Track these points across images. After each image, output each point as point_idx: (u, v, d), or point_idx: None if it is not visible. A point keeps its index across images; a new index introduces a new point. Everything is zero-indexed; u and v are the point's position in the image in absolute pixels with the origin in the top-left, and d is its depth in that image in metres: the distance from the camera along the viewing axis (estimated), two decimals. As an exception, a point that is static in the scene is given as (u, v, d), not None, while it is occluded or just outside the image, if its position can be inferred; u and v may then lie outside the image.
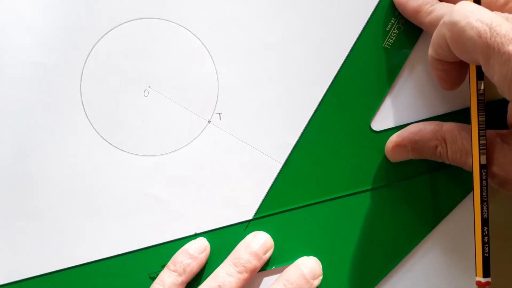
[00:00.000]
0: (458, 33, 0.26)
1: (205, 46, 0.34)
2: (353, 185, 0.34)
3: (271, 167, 0.34)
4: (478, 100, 0.28)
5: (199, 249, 0.32)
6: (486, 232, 0.29)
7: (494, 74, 0.25)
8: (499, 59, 0.24)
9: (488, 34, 0.25)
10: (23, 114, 0.33)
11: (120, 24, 0.33)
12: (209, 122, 0.34)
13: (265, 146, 0.34)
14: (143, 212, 0.33)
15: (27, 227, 0.33)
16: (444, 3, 0.31)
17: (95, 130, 0.33)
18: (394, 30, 0.33)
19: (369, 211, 0.34)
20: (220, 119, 0.34)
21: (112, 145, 0.33)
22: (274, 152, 0.34)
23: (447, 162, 0.31)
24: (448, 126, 0.31)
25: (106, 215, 0.33)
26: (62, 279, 0.33)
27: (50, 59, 0.33)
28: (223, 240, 0.33)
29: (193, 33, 0.33)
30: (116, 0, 0.33)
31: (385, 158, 0.33)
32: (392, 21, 0.33)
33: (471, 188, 0.29)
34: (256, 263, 0.32)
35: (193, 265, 0.32)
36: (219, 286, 0.30)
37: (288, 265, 0.33)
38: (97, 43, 0.33)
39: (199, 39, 0.33)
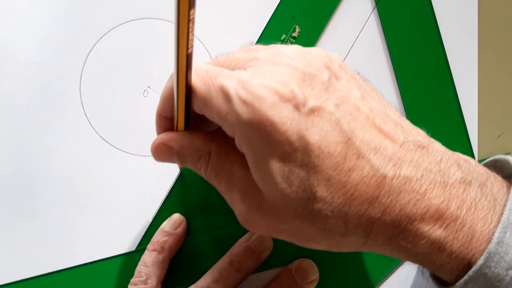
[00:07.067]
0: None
1: (205, 46, 0.34)
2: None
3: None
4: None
5: (174, 225, 0.32)
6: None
7: None
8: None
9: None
10: (23, 114, 0.33)
11: (120, 24, 0.33)
12: (209, 122, 0.34)
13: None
14: (143, 212, 0.33)
15: (27, 227, 0.33)
16: None
17: (95, 130, 0.33)
18: None
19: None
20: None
21: (112, 145, 0.33)
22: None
23: None
24: None
25: (106, 215, 0.33)
26: (62, 279, 0.33)
27: (50, 59, 0.33)
28: (222, 240, 0.33)
29: (193, 33, 0.33)
30: (116, 0, 0.33)
31: None
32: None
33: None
34: (253, 262, 0.32)
35: (171, 241, 0.32)
36: (216, 281, 0.30)
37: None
38: (97, 43, 0.33)
39: (198, 39, 0.33)
